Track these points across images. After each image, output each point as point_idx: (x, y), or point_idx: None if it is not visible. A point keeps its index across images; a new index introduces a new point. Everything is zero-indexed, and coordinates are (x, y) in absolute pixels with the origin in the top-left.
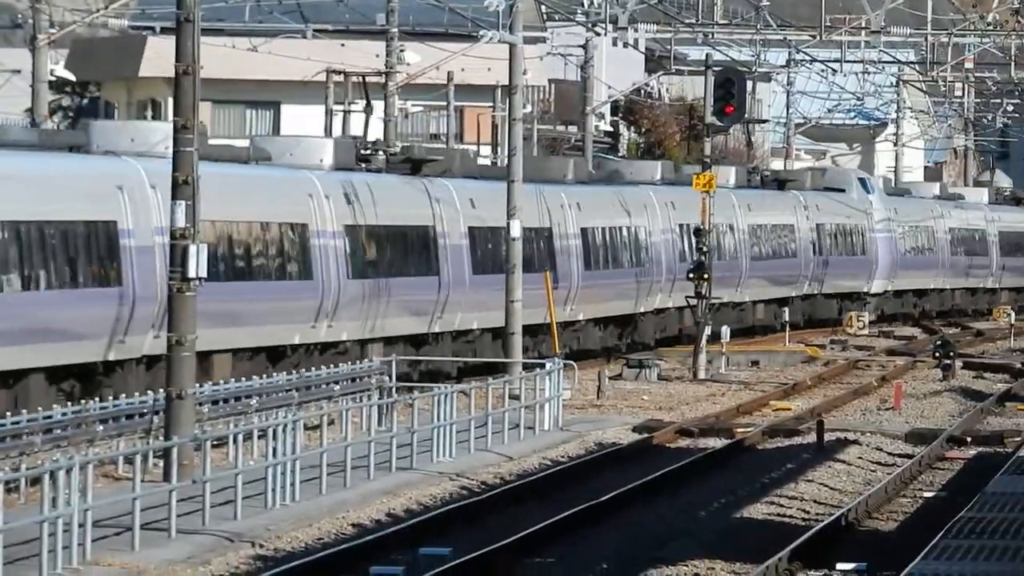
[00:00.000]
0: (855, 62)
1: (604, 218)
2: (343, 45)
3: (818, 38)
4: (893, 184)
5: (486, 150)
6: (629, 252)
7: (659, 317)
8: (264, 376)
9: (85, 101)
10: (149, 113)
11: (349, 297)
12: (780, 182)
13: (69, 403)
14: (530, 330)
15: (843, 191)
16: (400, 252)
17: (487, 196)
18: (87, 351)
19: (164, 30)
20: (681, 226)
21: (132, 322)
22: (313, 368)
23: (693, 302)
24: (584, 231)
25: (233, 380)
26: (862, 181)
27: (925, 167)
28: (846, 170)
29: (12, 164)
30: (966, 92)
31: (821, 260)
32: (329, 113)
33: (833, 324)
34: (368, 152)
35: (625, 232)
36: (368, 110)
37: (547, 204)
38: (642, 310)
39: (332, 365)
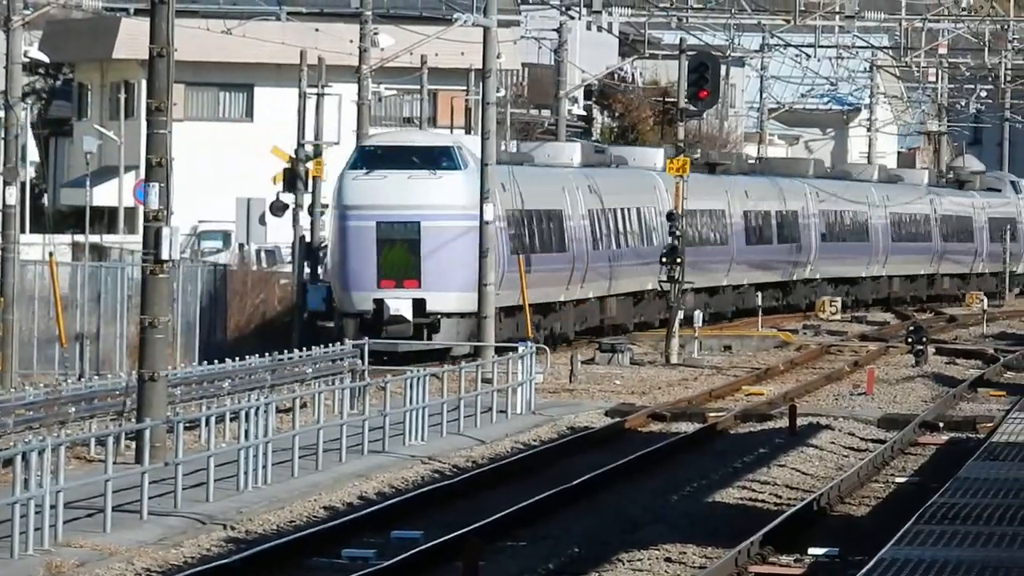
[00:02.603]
0: (829, 47)
1: (837, 204)
2: (317, 30)
3: (792, 23)
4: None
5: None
6: (858, 230)
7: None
8: (237, 359)
9: (58, 83)
10: (122, 95)
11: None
12: (960, 182)
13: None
14: (780, 285)
15: (999, 191)
16: (705, 228)
17: (757, 188)
18: (552, 295)
19: (138, 12)
20: (893, 213)
21: (572, 276)
22: (286, 351)
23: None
24: (822, 212)
25: (205, 363)
26: (1013, 183)
27: (898, 152)
28: (1001, 174)
29: (526, 173)
30: (939, 78)
31: (992, 245)
32: (303, 96)
33: (992, 297)
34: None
35: (852, 214)
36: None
37: (790, 193)
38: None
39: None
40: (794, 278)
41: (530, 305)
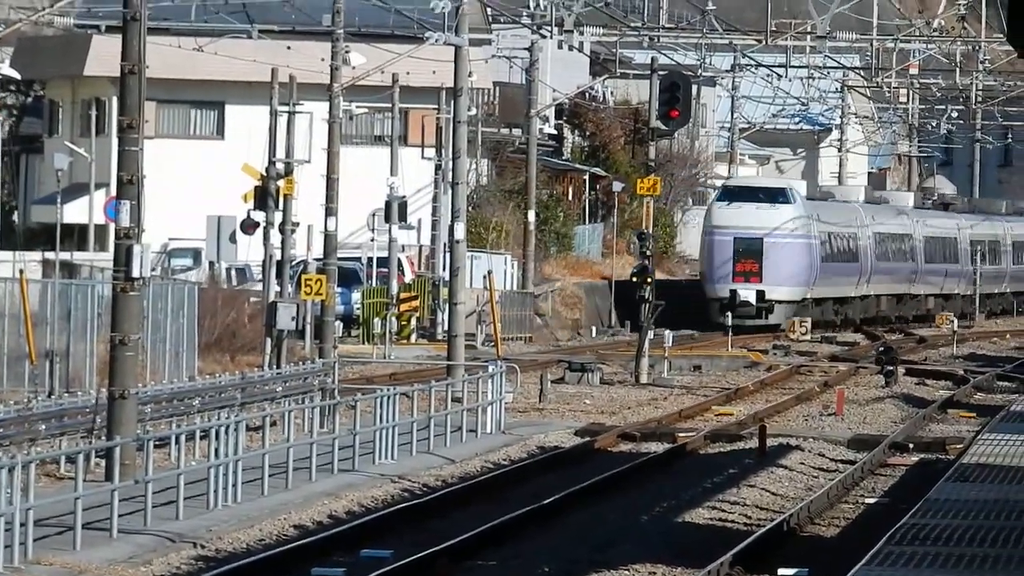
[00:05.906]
0: (800, 67)
1: (1019, 236)
2: (288, 48)
3: (763, 43)
4: None
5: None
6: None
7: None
8: (207, 376)
9: (29, 100)
10: (94, 112)
11: (925, 270)
12: None
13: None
14: (991, 296)
15: None
16: (940, 251)
17: (980, 222)
18: (846, 291)
19: (110, 29)
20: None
21: (859, 278)
22: (256, 369)
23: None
24: (1014, 244)
25: (176, 380)
26: None
27: (869, 173)
28: None
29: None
30: (910, 98)
31: None
32: (274, 114)
33: None
34: (923, 197)
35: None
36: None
37: (992, 225)
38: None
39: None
40: (995, 291)
41: (828, 298)
